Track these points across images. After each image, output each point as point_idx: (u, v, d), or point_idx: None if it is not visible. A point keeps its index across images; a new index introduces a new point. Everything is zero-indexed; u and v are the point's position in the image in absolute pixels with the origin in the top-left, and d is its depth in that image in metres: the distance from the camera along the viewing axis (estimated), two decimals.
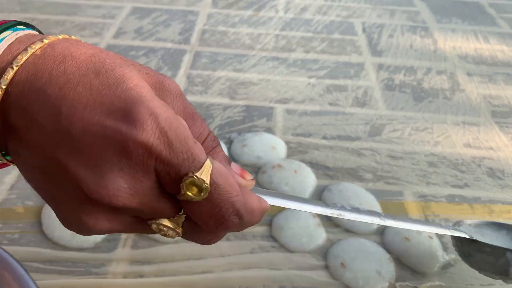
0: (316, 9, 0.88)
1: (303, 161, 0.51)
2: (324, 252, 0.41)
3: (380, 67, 0.70)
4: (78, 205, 0.21)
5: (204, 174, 0.21)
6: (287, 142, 0.54)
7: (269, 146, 0.52)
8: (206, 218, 0.22)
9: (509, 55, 0.76)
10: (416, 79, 0.68)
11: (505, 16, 0.89)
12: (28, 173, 0.22)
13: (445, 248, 0.42)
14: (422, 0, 0.94)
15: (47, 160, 0.21)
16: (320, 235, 0.43)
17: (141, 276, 0.39)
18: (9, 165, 0.24)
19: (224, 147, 0.52)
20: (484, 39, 0.80)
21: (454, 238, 0.38)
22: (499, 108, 0.62)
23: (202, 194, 0.21)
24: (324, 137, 0.55)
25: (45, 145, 0.20)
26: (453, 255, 0.42)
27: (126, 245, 0.41)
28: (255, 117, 0.58)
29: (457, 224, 0.38)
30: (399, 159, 0.53)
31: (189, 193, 0.21)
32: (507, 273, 0.35)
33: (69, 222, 0.22)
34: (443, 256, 0.41)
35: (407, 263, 0.41)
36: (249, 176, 0.25)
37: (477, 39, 0.80)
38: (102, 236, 0.41)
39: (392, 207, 0.46)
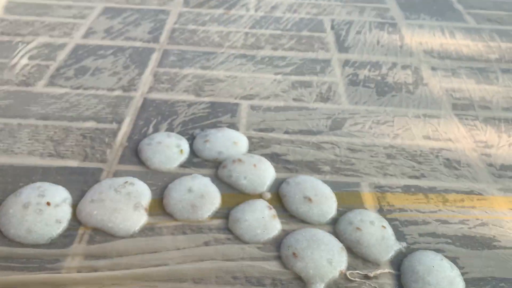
0: (287, 7, 0.89)
1: (264, 155, 0.52)
2: (278, 243, 0.42)
3: (346, 63, 0.71)
4: None
5: None
6: (249, 137, 0.55)
7: (231, 141, 0.53)
8: None
9: (473, 49, 0.77)
10: (380, 74, 0.69)
11: (472, 11, 0.91)
12: None
13: (398, 238, 0.43)
14: None
15: None
16: (275, 226, 0.43)
17: (95, 270, 0.39)
18: None
19: (186, 144, 0.53)
20: (450, 34, 0.82)
21: None
22: (460, 101, 0.64)
23: None
24: (286, 132, 0.56)
25: None
26: (405, 244, 0.43)
27: (82, 240, 0.41)
28: (220, 114, 0.59)
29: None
30: (358, 151, 0.54)
31: None
32: None
33: None
34: (395, 245, 0.42)
35: (358, 253, 0.42)
36: None
37: (443, 34, 0.82)
38: (58, 231, 0.42)
39: (348, 197, 0.47)
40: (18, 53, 0.69)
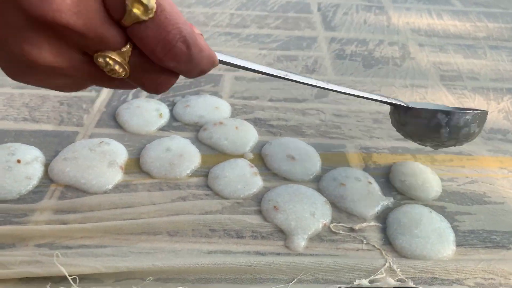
0: None
1: (246, 120, 0.50)
2: (259, 199, 0.40)
3: (332, 40, 0.71)
4: (19, 33, 0.20)
5: None
6: (232, 104, 0.53)
7: (212, 106, 0.51)
8: (153, 44, 0.22)
9: (461, 28, 0.77)
10: (367, 50, 0.68)
11: None
12: None
13: (385, 193, 0.42)
14: None
15: None
16: (256, 183, 0.41)
17: (65, 223, 0.37)
18: None
19: (166, 109, 0.51)
20: (437, 16, 0.81)
21: (392, 108, 0.40)
22: (448, 72, 0.63)
23: (148, 12, 0.21)
24: (271, 100, 0.55)
25: None
26: (392, 199, 0.41)
27: (53, 196, 0.39)
28: (202, 83, 0.57)
29: (395, 97, 0.40)
30: (344, 117, 0.52)
31: (135, 10, 0.20)
32: (439, 134, 0.36)
33: (10, 57, 0.21)
34: (381, 200, 0.41)
35: (342, 207, 0.40)
36: (196, 30, 0.24)
37: (431, 16, 0.81)
38: (28, 188, 0.40)
39: (333, 157, 0.46)
40: None
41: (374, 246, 0.37)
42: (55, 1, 0.19)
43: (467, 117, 0.36)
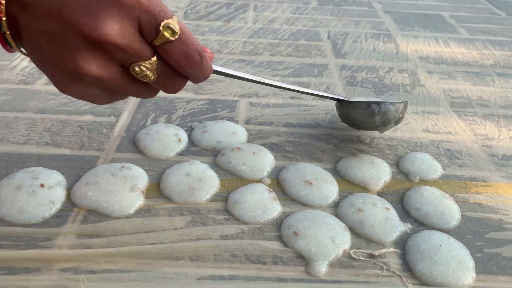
0: (284, 20, 0.91)
1: (263, 145, 0.51)
2: (278, 224, 0.41)
3: (343, 67, 0.72)
4: (76, 52, 0.28)
5: (175, 22, 0.30)
6: (248, 130, 0.54)
7: (230, 131, 0.53)
8: (177, 56, 0.31)
9: (468, 56, 0.79)
10: (378, 76, 0.69)
11: (464, 25, 0.93)
12: (33, 41, 0.29)
13: (402, 219, 0.42)
14: (387, 12, 0.99)
15: (53, 21, 0.27)
16: (275, 208, 0.42)
17: (88, 247, 0.37)
18: (10, 50, 0.31)
19: (184, 134, 0.52)
20: (444, 44, 0.83)
21: (337, 103, 0.53)
22: (458, 99, 0.64)
23: (174, 34, 0.30)
24: (285, 125, 0.56)
25: (52, 10, 0.27)
26: (410, 225, 0.41)
27: (75, 220, 0.40)
28: (219, 109, 0.59)
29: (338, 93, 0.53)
30: (358, 143, 0.53)
31: (166, 34, 0.30)
32: (374, 120, 0.48)
33: (64, 73, 0.29)
34: (400, 226, 0.41)
35: (361, 233, 0.40)
36: (209, 50, 0.35)
37: (438, 43, 0.83)
38: (51, 212, 0.40)
39: (349, 183, 0.46)
40: (18, 56, 0.70)
41: (394, 272, 0.37)
42: (107, 26, 0.28)
43: (392, 106, 0.47)
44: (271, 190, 0.44)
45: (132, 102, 0.59)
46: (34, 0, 0.27)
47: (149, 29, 0.29)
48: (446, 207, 0.43)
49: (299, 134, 0.54)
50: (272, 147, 0.51)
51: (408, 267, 0.37)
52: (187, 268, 0.36)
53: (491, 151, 0.53)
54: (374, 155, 0.51)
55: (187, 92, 0.62)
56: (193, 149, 0.50)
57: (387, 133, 0.55)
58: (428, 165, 0.49)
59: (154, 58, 0.31)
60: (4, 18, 0.28)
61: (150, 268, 0.36)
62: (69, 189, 0.43)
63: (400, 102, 0.48)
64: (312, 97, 0.62)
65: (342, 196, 0.44)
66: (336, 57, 0.75)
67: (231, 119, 0.56)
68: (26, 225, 0.39)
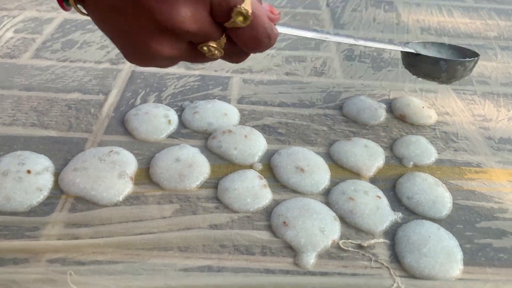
0: None
1: (255, 127, 0.50)
2: (268, 212, 0.40)
3: None
4: (148, 34, 0.28)
5: (247, 6, 0.28)
6: (240, 110, 0.53)
7: (221, 112, 0.51)
8: (247, 39, 0.31)
9: (471, 27, 0.76)
10: (376, 50, 0.67)
11: None
12: (103, 14, 0.29)
13: (393, 207, 0.42)
14: None
15: (126, 1, 0.27)
16: (266, 196, 0.42)
17: (76, 238, 0.37)
18: (66, 8, 0.32)
19: (175, 115, 0.51)
20: (448, 13, 0.80)
21: (403, 53, 0.50)
22: None
23: (246, 21, 0.29)
24: (279, 105, 0.54)
25: None
26: (400, 214, 0.41)
27: (63, 208, 0.40)
28: (211, 86, 0.57)
29: (406, 43, 0.50)
30: (353, 123, 0.52)
31: (237, 20, 0.29)
32: (440, 76, 0.48)
33: (137, 50, 0.30)
34: (390, 215, 0.41)
35: (351, 223, 0.40)
36: (276, 11, 0.33)
37: (441, 12, 0.80)
38: (39, 199, 0.40)
39: (342, 169, 0.46)
40: (3, 26, 0.67)
41: (382, 264, 0.37)
42: (180, 13, 0.27)
43: (461, 67, 0.47)
44: (262, 176, 0.44)
45: (121, 78, 0.57)
46: None
47: (220, 12, 0.29)
48: (438, 196, 0.42)
49: (293, 114, 0.53)
50: (264, 129, 0.50)
51: (396, 258, 0.37)
52: (175, 259, 0.36)
53: (488, 133, 0.52)
54: (368, 138, 0.50)
55: (179, 68, 0.60)
56: (184, 131, 0.49)
57: (383, 113, 0.54)
58: (422, 149, 0.48)
59: (223, 37, 0.30)
60: None
61: (138, 259, 0.36)
62: (56, 174, 0.43)
63: (470, 60, 0.47)
64: (307, 73, 0.60)
65: (334, 183, 0.44)
66: (334, 28, 0.72)
67: (224, 97, 0.55)
68: (13, 214, 0.39)
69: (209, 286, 0.34)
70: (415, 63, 0.49)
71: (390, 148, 0.49)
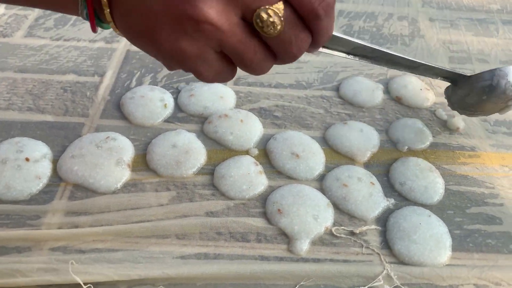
0: None
1: (251, 110, 0.50)
2: (263, 199, 0.41)
3: (340, 13, 0.68)
4: (175, 34, 0.26)
5: None
6: (237, 92, 0.53)
7: (217, 95, 0.51)
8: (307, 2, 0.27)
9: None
10: (376, 25, 0.66)
11: None
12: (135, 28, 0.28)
13: (386, 193, 0.43)
14: None
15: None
16: (261, 182, 0.42)
17: (76, 226, 0.38)
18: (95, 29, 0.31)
19: (171, 98, 0.51)
20: None
21: (449, 88, 0.48)
22: (457, 53, 0.61)
23: None
24: (276, 86, 0.54)
25: None
26: (393, 200, 0.42)
27: (63, 196, 0.41)
28: None
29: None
30: (349, 105, 0.52)
31: None
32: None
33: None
34: (383, 202, 0.42)
35: (344, 209, 0.41)
36: None
37: None
38: (38, 187, 0.41)
39: (336, 153, 0.46)
40: None
41: (373, 250, 0.38)
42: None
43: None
44: (258, 163, 0.44)
45: (116, 58, 0.56)
46: None
47: None
48: (431, 182, 0.43)
49: (289, 96, 0.53)
50: (260, 112, 0.50)
51: (387, 245, 0.39)
52: (173, 246, 0.38)
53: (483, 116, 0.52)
54: (364, 121, 0.50)
55: None
56: (180, 115, 0.49)
57: (380, 95, 0.53)
58: (417, 133, 0.48)
59: (281, 4, 0.26)
60: None
61: (137, 247, 0.37)
62: (55, 161, 0.43)
63: None
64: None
65: (329, 168, 0.44)
66: None
67: None
68: (14, 202, 0.40)
69: (205, 274, 0.35)
70: (465, 94, 0.44)
71: (386, 131, 0.49)
